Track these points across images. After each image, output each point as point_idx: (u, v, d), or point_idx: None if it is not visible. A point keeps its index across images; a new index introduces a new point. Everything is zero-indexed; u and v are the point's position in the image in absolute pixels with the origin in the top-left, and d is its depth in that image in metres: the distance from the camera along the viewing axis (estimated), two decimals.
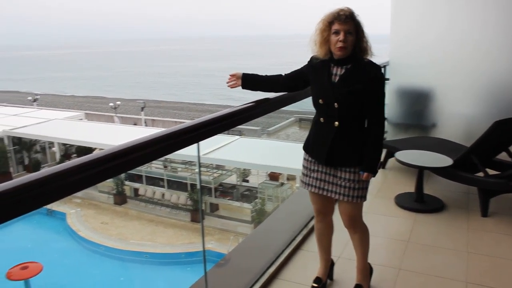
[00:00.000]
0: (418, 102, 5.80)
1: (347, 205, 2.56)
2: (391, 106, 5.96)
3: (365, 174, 2.46)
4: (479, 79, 5.34)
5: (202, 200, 18.39)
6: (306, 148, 2.64)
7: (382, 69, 5.89)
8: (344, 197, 2.52)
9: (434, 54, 5.54)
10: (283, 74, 2.68)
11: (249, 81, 2.64)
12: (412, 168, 4.36)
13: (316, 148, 2.56)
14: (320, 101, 2.46)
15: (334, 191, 2.54)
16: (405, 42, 5.69)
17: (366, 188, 2.55)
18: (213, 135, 2.13)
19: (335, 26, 2.32)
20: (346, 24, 2.30)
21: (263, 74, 2.71)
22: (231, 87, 2.64)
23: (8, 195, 1.20)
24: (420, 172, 4.30)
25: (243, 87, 2.63)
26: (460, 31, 5.34)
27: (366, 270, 2.81)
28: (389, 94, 5.96)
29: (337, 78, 2.41)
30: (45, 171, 1.35)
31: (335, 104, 2.39)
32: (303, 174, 2.66)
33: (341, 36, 2.30)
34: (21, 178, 1.27)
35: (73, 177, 1.46)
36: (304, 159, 2.65)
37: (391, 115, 5.99)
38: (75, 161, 1.50)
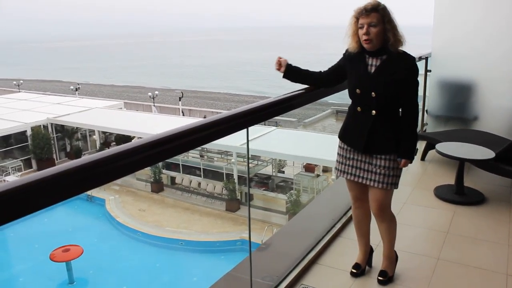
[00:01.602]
0: (460, 95, 5.72)
1: (379, 192, 2.64)
2: (433, 98, 5.91)
3: (403, 161, 2.55)
4: None
5: (237, 190, 18.57)
6: (342, 137, 2.72)
7: (424, 61, 5.86)
8: (378, 184, 2.60)
9: (477, 46, 5.44)
10: (322, 71, 2.74)
11: (292, 72, 2.67)
12: (453, 160, 4.34)
13: (353, 136, 2.64)
14: (358, 91, 2.54)
15: (369, 178, 2.62)
16: (448, 34, 5.60)
17: (399, 176, 2.64)
18: (262, 121, 2.22)
19: (360, 20, 2.44)
20: (369, 16, 2.40)
21: (306, 68, 2.75)
22: (276, 68, 2.68)
23: (51, 180, 1.27)
24: (461, 164, 4.27)
25: (284, 76, 2.67)
26: (505, 24, 5.22)
27: (392, 257, 2.88)
28: (430, 86, 5.90)
29: (373, 68, 2.51)
30: (87, 158, 1.40)
31: (373, 93, 2.48)
32: (339, 162, 2.75)
33: (364, 29, 2.42)
34: (64, 164, 1.33)
35: (119, 163, 1.50)
36: (340, 147, 2.74)
37: (432, 107, 5.93)
38: (127, 145, 1.55)
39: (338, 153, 2.75)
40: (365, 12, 2.40)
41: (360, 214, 2.88)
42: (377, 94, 2.48)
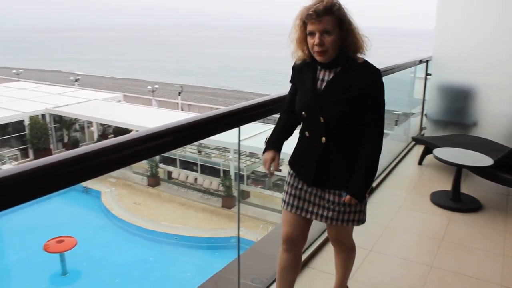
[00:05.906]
0: (460, 99, 5.68)
1: (335, 228, 2.20)
2: (432, 102, 5.87)
3: (348, 197, 2.00)
4: None
5: (233, 186, 18.52)
6: (291, 163, 2.20)
7: (425, 64, 5.81)
8: (332, 221, 2.10)
9: (479, 51, 5.40)
10: (286, 109, 2.21)
11: (280, 144, 2.18)
12: (450, 166, 4.29)
13: (301, 166, 2.14)
14: (304, 114, 2.03)
15: (320, 214, 2.11)
16: (450, 38, 5.56)
17: (361, 212, 2.12)
18: (254, 120, 2.15)
19: (309, 27, 1.87)
20: (321, 22, 1.83)
21: (275, 126, 2.24)
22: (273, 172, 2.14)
23: (47, 170, 1.25)
24: (458, 171, 4.21)
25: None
26: (507, 29, 5.18)
27: None
28: (430, 89, 5.87)
29: (324, 84, 1.97)
30: (83, 148, 1.38)
31: (321, 118, 1.96)
32: (286, 191, 2.20)
33: (316, 39, 1.86)
34: (60, 154, 1.31)
35: (116, 155, 1.50)
36: (289, 173, 2.20)
37: (431, 111, 5.89)
38: (117, 138, 1.54)
39: (286, 181, 2.21)
40: (316, 16, 1.82)
41: (289, 259, 2.23)
42: (327, 119, 1.95)
